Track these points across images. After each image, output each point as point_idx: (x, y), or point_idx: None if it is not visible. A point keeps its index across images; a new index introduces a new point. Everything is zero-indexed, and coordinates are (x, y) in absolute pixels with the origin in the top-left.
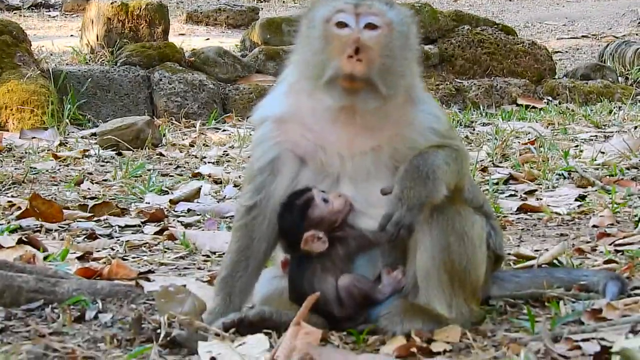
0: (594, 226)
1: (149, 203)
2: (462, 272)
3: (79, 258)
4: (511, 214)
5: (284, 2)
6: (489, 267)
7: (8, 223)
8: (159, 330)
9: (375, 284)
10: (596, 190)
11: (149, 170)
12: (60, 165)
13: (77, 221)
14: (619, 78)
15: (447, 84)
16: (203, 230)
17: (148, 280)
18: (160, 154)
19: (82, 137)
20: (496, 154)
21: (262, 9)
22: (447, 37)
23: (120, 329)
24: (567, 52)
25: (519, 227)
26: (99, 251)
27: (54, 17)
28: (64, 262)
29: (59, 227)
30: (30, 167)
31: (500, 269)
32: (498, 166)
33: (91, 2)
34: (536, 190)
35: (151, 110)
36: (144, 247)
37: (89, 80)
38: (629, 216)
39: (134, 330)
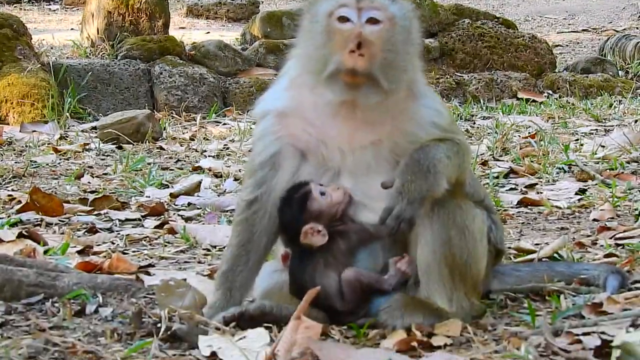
0: (594, 220)
1: (149, 197)
2: (463, 266)
3: (79, 252)
4: (511, 207)
5: None
6: (489, 261)
7: (8, 217)
8: (159, 325)
9: (380, 275)
10: (596, 184)
11: (149, 163)
12: (60, 159)
13: (78, 215)
14: (619, 72)
15: (447, 78)
16: (203, 224)
17: (148, 274)
18: (161, 148)
19: (82, 131)
20: (496, 147)
21: (262, 2)
22: (447, 31)
23: (120, 323)
24: (567, 45)
25: (519, 221)
26: (99, 245)
27: (54, 10)
28: (64, 256)
29: (59, 220)
30: (31, 161)
31: (501, 263)
32: (498, 160)
33: None
34: (536, 183)
35: (151, 103)
36: (144, 240)
37: (90, 73)
38: (629, 210)
39: (134, 325)
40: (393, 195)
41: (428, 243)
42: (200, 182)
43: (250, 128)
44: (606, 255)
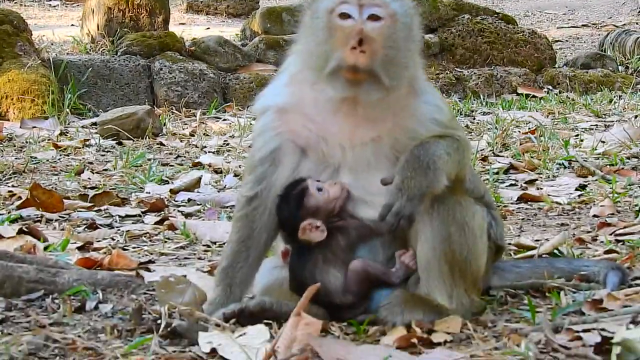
0: (594, 216)
1: (149, 193)
2: (463, 262)
3: (79, 248)
4: (511, 203)
5: None
6: (489, 258)
7: (8, 213)
8: (159, 321)
9: (388, 268)
10: (596, 180)
11: (149, 159)
12: (60, 155)
13: (78, 211)
14: (619, 67)
15: (447, 73)
16: (203, 220)
17: (148, 270)
18: (161, 144)
19: (82, 127)
20: (496, 143)
21: None
22: (447, 26)
23: (120, 319)
24: (567, 41)
25: (519, 217)
26: (99, 241)
27: (54, 6)
28: (64, 252)
29: (60, 217)
30: (31, 157)
31: (501, 259)
32: (498, 155)
33: None
34: (536, 179)
35: (151, 99)
36: (145, 237)
37: (90, 69)
38: (629, 206)
39: (134, 321)
40: (393, 192)
41: (428, 239)
42: (200, 178)
43: (250, 124)
44: (606, 252)
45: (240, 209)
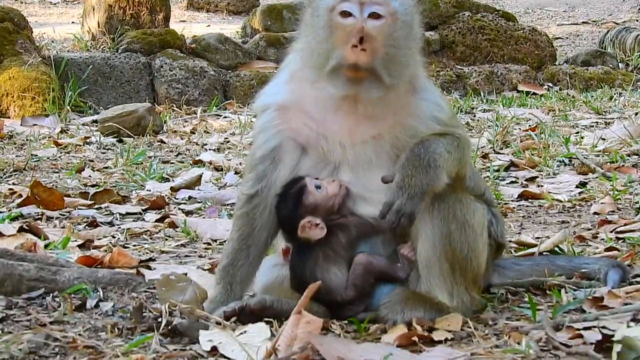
0: (595, 213)
1: (149, 190)
2: (464, 260)
3: (79, 246)
4: (512, 201)
5: None
6: (490, 255)
7: (9, 211)
8: (160, 319)
9: (394, 263)
10: (597, 177)
11: (149, 157)
12: (61, 153)
13: (78, 209)
14: (620, 64)
15: (447, 71)
16: (204, 217)
17: (149, 268)
18: (161, 141)
19: (83, 124)
20: (497, 140)
21: None
22: (447, 24)
23: (121, 317)
24: (567, 38)
25: (520, 215)
26: (99, 239)
27: (55, 4)
28: (64, 250)
29: (60, 214)
30: (31, 155)
31: (502, 257)
32: (499, 153)
33: None
34: (537, 177)
35: (152, 97)
36: (145, 235)
37: (90, 67)
38: (630, 203)
39: (135, 319)
40: (393, 190)
41: (428, 237)
42: (200, 176)
43: (251, 121)
44: (607, 249)
45: (241, 207)
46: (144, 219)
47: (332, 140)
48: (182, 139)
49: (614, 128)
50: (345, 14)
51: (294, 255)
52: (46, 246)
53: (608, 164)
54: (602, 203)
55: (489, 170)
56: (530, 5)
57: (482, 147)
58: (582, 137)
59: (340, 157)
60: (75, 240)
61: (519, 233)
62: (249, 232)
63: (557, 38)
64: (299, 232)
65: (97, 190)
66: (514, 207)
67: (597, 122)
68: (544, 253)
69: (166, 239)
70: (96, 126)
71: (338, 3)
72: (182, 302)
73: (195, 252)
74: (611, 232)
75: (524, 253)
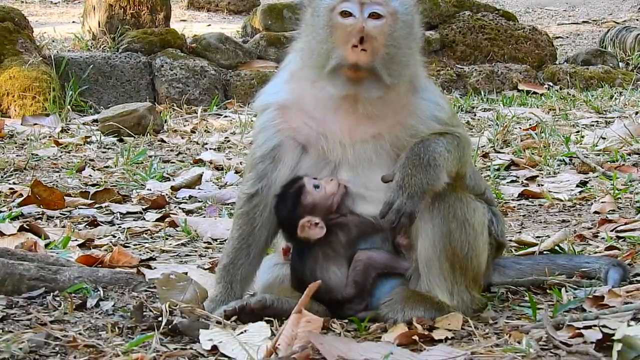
0: (595, 212)
1: (150, 190)
2: (464, 259)
3: (80, 245)
4: (512, 200)
5: None
6: (490, 254)
7: (9, 210)
8: (160, 318)
9: (397, 257)
10: (597, 176)
11: (150, 156)
12: (61, 152)
13: (79, 208)
14: (620, 63)
15: (448, 70)
16: (204, 217)
17: (149, 267)
18: (162, 141)
19: (83, 124)
20: (497, 139)
21: None
22: (448, 23)
23: (121, 316)
24: (567, 37)
25: (520, 214)
26: (100, 238)
27: (55, 3)
28: (65, 249)
29: (61, 214)
30: (32, 154)
31: (502, 256)
32: (499, 152)
33: None
34: (537, 176)
35: (153, 96)
36: (145, 234)
37: (91, 66)
38: (630, 202)
39: (135, 318)
40: (394, 189)
41: (429, 236)
42: (201, 175)
43: (251, 120)
44: (607, 248)
45: (241, 206)
46: (144, 218)
47: (332, 140)
48: (182, 138)
49: (614, 127)
50: (346, 13)
51: (294, 255)
52: (47, 245)
53: (608, 163)
54: (602, 202)
55: (489, 170)
56: (531, 4)
57: (482, 146)
58: (582, 136)
59: (341, 156)
60: (76, 240)
61: (520, 232)
62: (249, 231)
63: (557, 37)
64: (298, 232)
65: (98, 189)
66: (514, 206)
67: (597, 121)
68: (545, 252)
69: (167, 238)
70: (97, 125)
71: (338, 3)
72: (182, 301)
73: (195, 251)
74: (611, 231)
75: (525, 252)
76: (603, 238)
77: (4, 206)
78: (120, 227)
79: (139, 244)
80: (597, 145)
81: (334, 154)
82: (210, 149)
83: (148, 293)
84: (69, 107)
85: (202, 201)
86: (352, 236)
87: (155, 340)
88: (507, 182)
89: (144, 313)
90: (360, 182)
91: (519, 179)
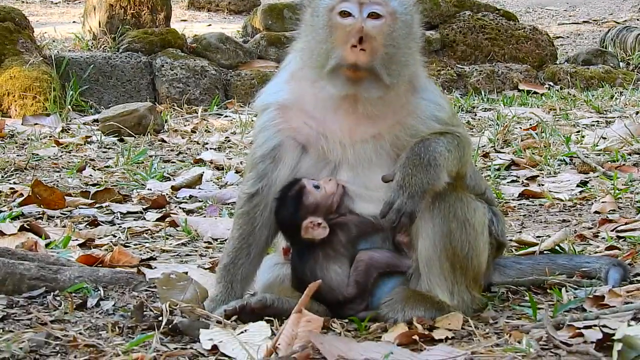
0: (595, 212)
1: (150, 189)
2: (464, 259)
3: (80, 245)
4: (513, 200)
5: None
6: (490, 254)
7: (10, 210)
8: (160, 318)
9: (398, 256)
10: (598, 176)
11: (150, 156)
12: (62, 152)
13: (79, 208)
14: (620, 63)
15: (448, 70)
16: (205, 216)
17: (150, 267)
18: (162, 140)
19: (84, 124)
20: (498, 139)
21: None
22: (448, 23)
23: (122, 316)
24: (568, 37)
25: (520, 213)
26: (100, 238)
27: (56, 3)
28: (65, 249)
29: (61, 213)
30: (33, 154)
31: (502, 256)
32: (500, 152)
33: None
34: (538, 176)
35: (153, 96)
36: (146, 234)
37: (91, 66)
38: (630, 202)
39: (135, 318)
40: (394, 189)
41: (429, 236)
42: (201, 175)
43: (252, 120)
44: (608, 248)
45: (242, 206)
46: (144, 218)
47: (332, 140)
48: (183, 138)
49: (614, 127)
50: (345, 14)
51: (294, 255)
52: (47, 245)
53: (609, 162)
54: (602, 202)
55: (489, 169)
56: (531, 4)
57: (483, 146)
58: (583, 136)
59: (340, 156)
60: (76, 239)
61: (520, 232)
62: (249, 231)
63: (558, 37)
64: (302, 234)
65: (98, 189)
66: (514, 206)
67: (597, 121)
68: (545, 252)
69: (167, 238)
70: (97, 125)
71: (338, 3)
72: (182, 301)
73: (196, 251)
74: (612, 231)
75: (525, 252)
76: (603, 238)
77: (4, 206)
78: (120, 226)
79: (140, 244)
80: (597, 145)
81: (334, 154)
82: (210, 148)
83: (148, 293)
84: (69, 107)
85: (202, 201)
86: (352, 236)
87: (156, 339)
88: (508, 182)
89: (145, 313)
90: (360, 182)
91: (520, 178)
